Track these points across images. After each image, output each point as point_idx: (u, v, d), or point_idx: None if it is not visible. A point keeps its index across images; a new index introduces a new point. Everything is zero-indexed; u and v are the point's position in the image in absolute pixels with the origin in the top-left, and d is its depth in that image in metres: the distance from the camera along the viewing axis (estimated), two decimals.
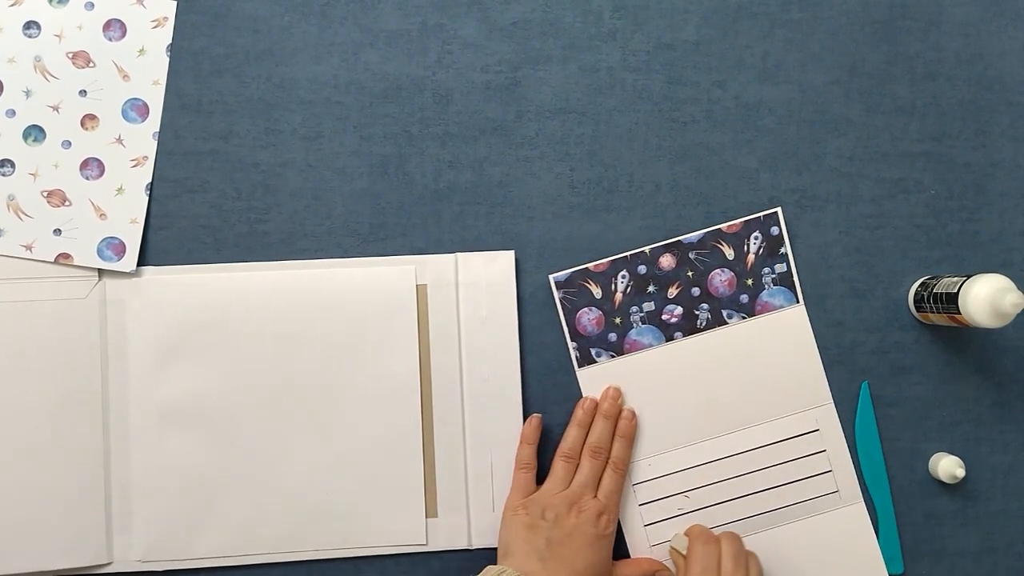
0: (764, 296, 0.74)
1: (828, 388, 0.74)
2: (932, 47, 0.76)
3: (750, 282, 0.74)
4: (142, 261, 0.72)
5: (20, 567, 0.70)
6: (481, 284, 0.73)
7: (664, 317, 0.73)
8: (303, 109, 0.74)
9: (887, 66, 0.76)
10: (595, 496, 0.70)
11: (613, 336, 0.73)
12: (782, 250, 0.74)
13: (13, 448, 0.70)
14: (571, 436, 0.71)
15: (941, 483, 0.74)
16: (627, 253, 0.73)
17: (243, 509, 0.71)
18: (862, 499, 0.74)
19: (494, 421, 0.72)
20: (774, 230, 0.74)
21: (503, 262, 0.73)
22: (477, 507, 0.72)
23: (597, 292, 0.73)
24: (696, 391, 0.73)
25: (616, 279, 0.73)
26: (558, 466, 0.71)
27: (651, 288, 0.73)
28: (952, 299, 0.68)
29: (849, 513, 0.74)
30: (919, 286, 0.73)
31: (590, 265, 0.73)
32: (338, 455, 0.72)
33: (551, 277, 0.73)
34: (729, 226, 0.74)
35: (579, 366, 0.73)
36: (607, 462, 0.71)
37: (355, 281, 0.72)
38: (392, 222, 0.74)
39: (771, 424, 0.73)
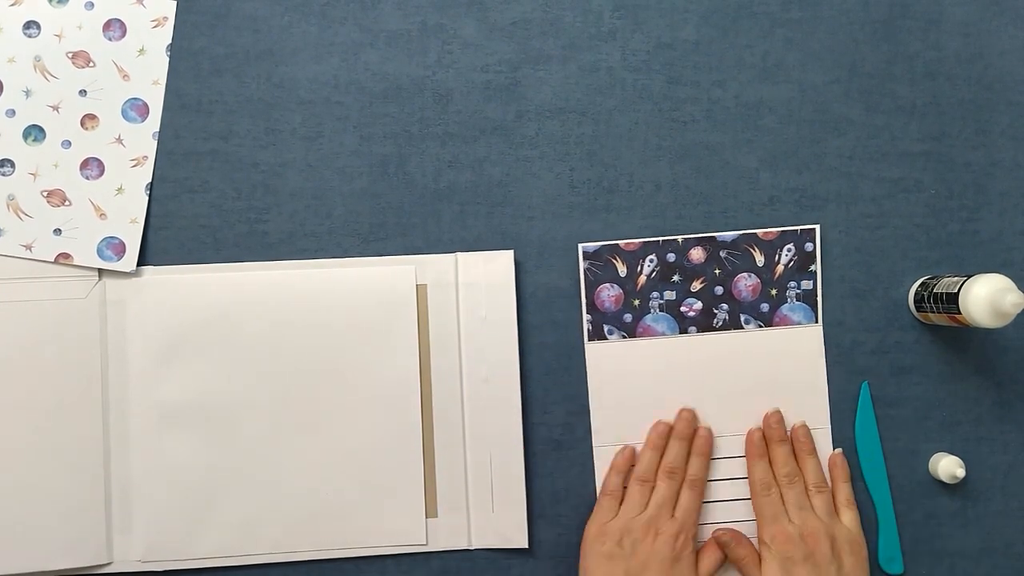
0: (784, 309, 0.74)
1: (828, 412, 0.74)
2: (932, 47, 0.76)
3: (774, 292, 0.74)
4: (142, 261, 0.72)
5: (20, 567, 0.70)
6: (481, 284, 0.73)
7: (682, 309, 0.74)
8: (303, 109, 0.74)
9: (887, 66, 0.76)
10: (672, 516, 0.70)
11: (628, 317, 0.73)
12: (812, 267, 0.74)
13: (13, 448, 0.70)
14: (646, 459, 0.71)
15: (941, 483, 0.74)
16: (660, 238, 0.73)
17: (243, 509, 0.71)
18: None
19: (494, 421, 0.72)
20: (808, 246, 0.74)
21: (503, 262, 0.73)
22: (477, 507, 0.72)
23: (622, 270, 0.73)
24: (697, 388, 0.73)
25: (644, 262, 0.73)
26: (634, 490, 0.71)
27: (676, 278, 0.73)
28: (952, 299, 0.68)
29: None
30: (919, 286, 0.73)
31: (621, 242, 0.73)
32: (338, 455, 0.72)
33: (580, 246, 0.73)
34: (765, 233, 0.74)
35: (589, 339, 0.73)
36: (683, 482, 0.71)
37: (355, 281, 0.72)
38: (392, 222, 0.74)
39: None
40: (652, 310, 0.74)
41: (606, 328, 0.73)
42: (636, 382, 0.73)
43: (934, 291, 0.71)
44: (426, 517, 0.72)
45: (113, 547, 0.71)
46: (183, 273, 0.72)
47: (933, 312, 0.71)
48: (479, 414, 0.72)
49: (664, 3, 0.75)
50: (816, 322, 0.74)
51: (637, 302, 0.73)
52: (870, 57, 0.75)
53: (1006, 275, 0.66)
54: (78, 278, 0.71)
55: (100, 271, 0.72)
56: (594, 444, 0.73)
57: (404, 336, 0.72)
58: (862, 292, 0.75)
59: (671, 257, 0.74)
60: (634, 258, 0.73)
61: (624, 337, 0.73)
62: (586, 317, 0.73)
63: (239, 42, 0.74)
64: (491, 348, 0.72)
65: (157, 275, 0.72)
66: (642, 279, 0.73)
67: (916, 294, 0.73)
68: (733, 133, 0.75)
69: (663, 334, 0.74)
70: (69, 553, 0.70)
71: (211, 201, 0.73)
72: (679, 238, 0.74)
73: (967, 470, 0.73)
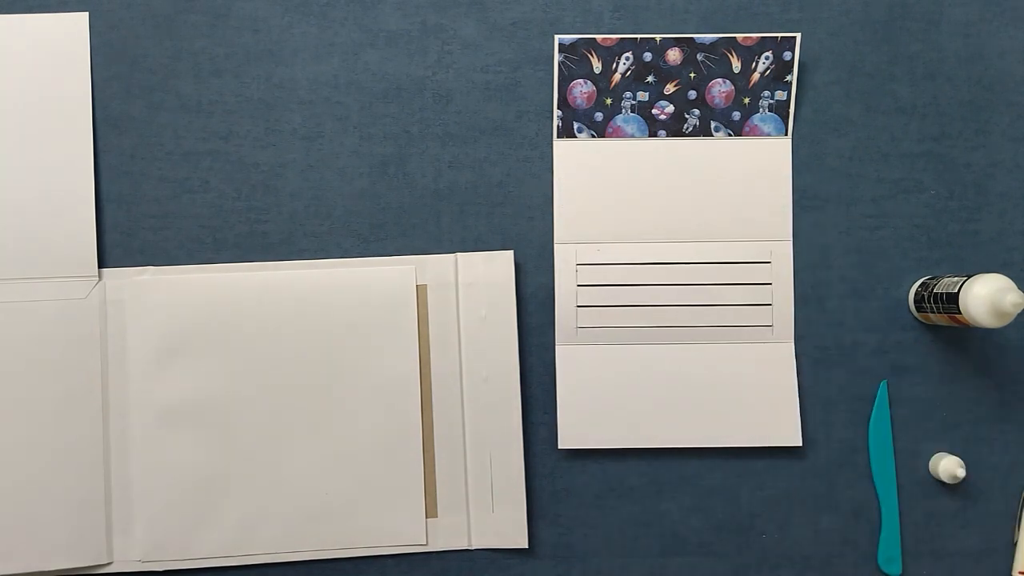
0: (756, 119, 0.73)
1: (791, 226, 0.74)
2: (932, 47, 0.76)
3: (747, 101, 0.73)
4: (142, 261, 0.73)
5: (20, 567, 0.70)
6: (481, 284, 0.73)
7: (654, 111, 0.73)
8: (303, 109, 0.74)
9: (887, 66, 0.76)
10: None
11: (599, 116, 0.73)
12: (788, 77, 0.73)
13: (14, 448, 0.70)
14: None
15: (941, 483, 0.74)
16: (638, 36, 0.72)
17: (243, 509, 0.71)
18: (792, 340, 0.74)
19: (494, 421, 0.72)
20: (787, 55, 0.73)
21: (503, 262, 0.73)
22: (477, 507, 0.72)
23: (597, 66, 0.72)
24: (663, 193, 0.73)
25: (620, 59, 0.72)
26: None
27: (650, 79, 0.72)
28: (952, 299, 0.68)
29: (777, 350, 0.74)
30: (919, 286, 0.73)
31: (598, 36, 0.72)
32: (338, 455, 0.72)
33: (557, 37, 0.72)
34: (745, 38, 0.72)
35: (558, 136, 0.73)
36: None
37: (355, 281, 0.72)
38: (392, 222, 0.74)
39: (727, 244, 0.73)
40: (624, 110, 0.72)
41: (575, 126, 0.73)
42: (600, 183, 0.73)
43: (934, 291, 0.71)
44: (426, 517, 0.72)
45: (113, 547, 0.71)
46: (183, 273, 0.72)
47: (933, 312, 0.71)
48: (479, 414, 0.72)
49: (664, 3, 0.75)
50: (786, 135, 0.74)
51: (609, 101, 0.72)
52: (870, 57, 0.75)
53: (1006, 275, 0.66)
54: (78, 278, 0.71)
55: (100, 271, 0.72)
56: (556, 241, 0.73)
57: (404, 336, 0.72)
58: (862, 292, 0.75)
59: (647, 56, 0.72)
60: (610, 54, 0.72)
61: (593, 136, 0.73)
62: (556, 113, 0.73)
63: (239, 42, 0.74)
64: (491, 348, 0.72)
65: (157, 275, 0.72)
66: (616, 77, 0.72)
67: (916, 294, 0.73)
68: None
69: (632, 136, 0.73)
70: (69, 553, 0.70)
71: (211, 201, 0.73)
72: (657, 37, 0.72)
73: (967, 470, 0.73)
